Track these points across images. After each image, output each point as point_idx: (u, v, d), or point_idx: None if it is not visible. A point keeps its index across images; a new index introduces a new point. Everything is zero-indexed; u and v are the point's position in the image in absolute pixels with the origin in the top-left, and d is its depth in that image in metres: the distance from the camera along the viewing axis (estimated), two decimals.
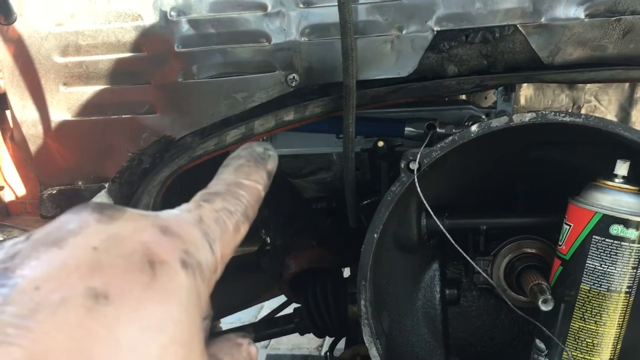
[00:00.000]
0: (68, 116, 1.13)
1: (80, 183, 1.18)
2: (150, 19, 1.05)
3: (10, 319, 0.30)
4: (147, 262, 0.35)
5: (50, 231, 0.36)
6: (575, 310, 0.95)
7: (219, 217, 0.43)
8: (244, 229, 0.45)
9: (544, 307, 0.96)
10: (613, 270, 0.92)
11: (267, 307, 2.57)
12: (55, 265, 0.33)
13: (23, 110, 1.14)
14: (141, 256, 0.36)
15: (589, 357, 0.95)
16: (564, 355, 0.97)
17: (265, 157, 0.50)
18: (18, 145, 1.19)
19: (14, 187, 1.27)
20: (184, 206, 0.43)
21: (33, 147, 1.16)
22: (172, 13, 1.04)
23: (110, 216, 0.37)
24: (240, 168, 0.48)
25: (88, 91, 1.11)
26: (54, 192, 1.19)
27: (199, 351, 0.38)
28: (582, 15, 0.96)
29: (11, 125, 1.20)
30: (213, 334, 0.46)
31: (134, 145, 1.13)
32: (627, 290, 0.93)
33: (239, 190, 0.46)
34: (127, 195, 1.16)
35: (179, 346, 0.35)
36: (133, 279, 0.34)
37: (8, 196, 1.26)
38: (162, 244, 0.37)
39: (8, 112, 1.20)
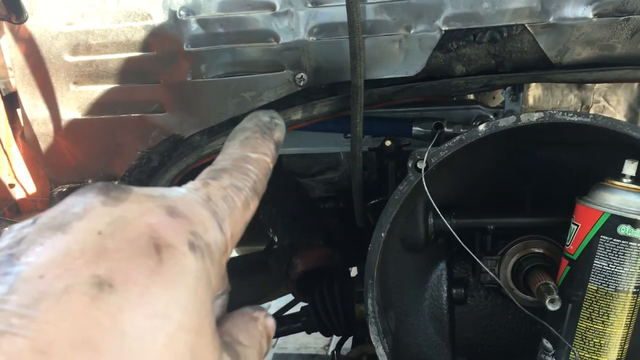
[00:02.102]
0: (78, 115, 1.14)
1: (89, 181, 1.19)
2: (159, 18, 1.06)
3: (14, 308, 0.30)
4: (153, 245, 0.35)
5: (55, 215, 0.35)
6: (582, 310, 0.95)
7: (227, 194, 0.42)
8: (253, 205, 0.44)
9: (551, 307, 0.96)
10: (621, 270, 0.92)
11: (274, 306, 2.57)
12: (59, 251, 0.33)
13: (34, 108, 1.16)
14: (147, 240, 0.35)
15: (596, 357, 0.95)
16: (571, 355, 0.97)
17: (272, 126, 0.48)
18: (29, 143, 1.20)
19: (25, 185, 1.28)
20: (191, 184, 0.42)
21: (43, 145, 1.17)
22: (182, 12, 1.05)
23: (116, 198, 0.36)
24: (246, 141, 0.46)
25: (98, 90, 1.12)
26: (64, 190, 1.20)
27: (210, 336, 0.37)
28: (590, 14, 0.96)
29: (22, 123, 1.21)
30: (230, 310, 0.46)
31: (143, 143, 1.14)
32: (635, 290, 0.93)
33: (246, 164, 0.44)
34: None
35: (187, 332, 0.34)
36: (138, 264, 0.34)
37: (19, 194, 1.27)
38: (169, 226, 0.36)
39: (19, 111, 1.22)
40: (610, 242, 0.92)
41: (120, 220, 0.35)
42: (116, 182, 1.16)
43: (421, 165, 0.96)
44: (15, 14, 1.03)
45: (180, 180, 1.15)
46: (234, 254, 1.97)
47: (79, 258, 0.33)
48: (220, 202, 0.41)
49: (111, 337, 0.31)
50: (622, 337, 0.95)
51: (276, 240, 1.75)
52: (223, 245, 0.40)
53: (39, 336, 0.30)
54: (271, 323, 0.45)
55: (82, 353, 0.30)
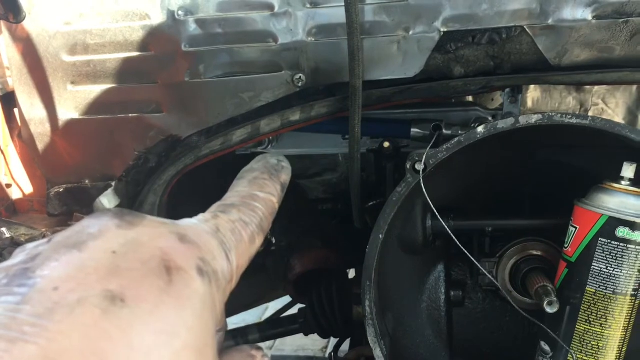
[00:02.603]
0: (75, 115, 1.14)
1: (87, 181, 1.19)
2: (157, 18, 1.05)
3: (28, 317, 0.31)
4: (164, 267, 0.36)
5: (71, 235, 0.37)
6: (580, 313, 0.95)
7: (235, 227, 0.44)
8: (259, 240, 0.46)
9: (549, 310, 0.95)
10: (619, 273, 0.92)
11: (272, 308, 2.57)
12: (74, 267, 0.34)
13: (31, 108, 1.15)
14: (159, 262, 0.36)
15: None
16: (569, 358, 0.96)
17: (279, 168, 0.51)
18: (26, 143, 1.20)
19: (22, 185, 1.28)
20: (201, 216, 0.44)
21: (41, 145, 1.17)
22: (180, 13, 1.04)
23: (130, 222, 0.38)
24: (254, 181, 0.49)
25: (95, 90, 1.11)
26: (61, 190, 1.20)
27: (212, 356, 0.38)
28: (589, 16, 0.96)
29: (19, 123, 1.21)
30: (226, 347, 0.47)
31: (141, 144, 1.13)
32: (633, 293, 0.93)
33: (253, 202, 0.47)
34: (134, 193, 1.16)
35: (191, 352, 0.35)
36: (150, 283, 0.35)
37: (15, 194, 1.27)
38: (180, 251, 0.38)
39: (16, 110, 1.21)
40: (609, 244, 0.92)
41: (133, 242, 0.37)
42: (113, 183, 1.16)
43: (419, 166, 0.96)
44: (13, 13, 1.02)
45: (178, 180, 1.14)
46: None
47: (93, 273, 0.34)
48: (228, 234, 0.43)
49: (120, 349, 0.32)
50: (620, 340, 0.95)
51: (274, 241, 1.74)
52: (229, 274, 0.42)
53: (51, 345, 0.30)
54: None
55: None
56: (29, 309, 0.31)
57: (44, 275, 0.33)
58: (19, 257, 0.36)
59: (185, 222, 0.42)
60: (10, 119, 1.24)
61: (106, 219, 0.38)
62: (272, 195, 0.48)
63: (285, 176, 0.51)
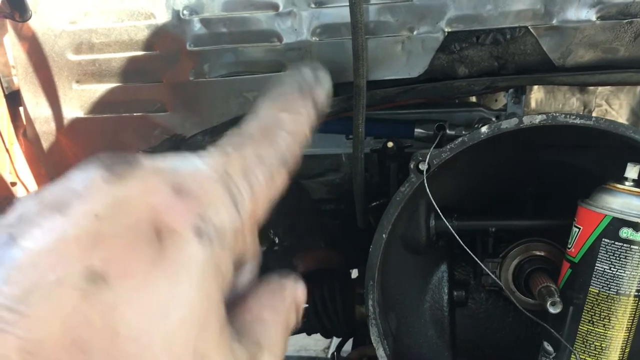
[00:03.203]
0: (80, 113, 1.14)
1: None
2: (162, 17, 1.06)
3: (6, 301, 0.28)
4: (155, 231, 0.32)
5: (56, 192, 0.32)
6: (583, 314, 0.95)
7: (248, 167, 0.37)
8: (280, 180, 0.39)
9: (552, 310, 0.95)
10: (622, 274, 0.92)
11: None
12: (55, 236, 0.30)
13: (36, 107, 1.16)
14: (148, 225, 0.32)
15: None
16: (572, 358, 0.96)
17: (314, 83, 0.41)
18: (31, 141, 1.20)
19: (26, 183, 1.28)
20: (208, 153, 0.37)
21: (45, 143, 1.18)
22: (185, 12, 1.05)
23: (119, 174, 0.33)
24: (279, 99, 0.40)
25: (100, 89, 1.12)
26: None
27: (216, 330, 0.33)
28: (593, 17, 0.96)
29: (24, 121, 1.21)
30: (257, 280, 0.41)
31: (145, 143, 1.14)
32: (636, 293, 0.93)
33: (276, 129, 0.39)
34: None
35: (189, 330, 0.31)
36: (136, 254, 0.31)
37: (20, 192, 1.27)
38: (174, 208, 0.33)
39: (21, 109, 1.21)
40: (612, 245, 0.92)
41: (120, 201, 0.32)
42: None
43: (423, 166, 0.96)
44: (19, 11, 1.03)
45: None
46: None
47: (74, 244, 0.30)
48: (239, 177, 0.36)
49: (103, 338, 0.29)
50: (623, 341, 0.95)
51: (277, 241, 1.75)
52: (239, 227, 0.36)
53: (29, 335, 0.28)
54: (301, 291, 0.40)
55: (71, 355, 0.28)
56: (8, 290, 0.28)
57: (24, 246, 0.30)
58: (10, 214, 0.32)
59: (187, 165, 0.35)
60: (15, 117, 1.24)
61: (93, 170, 0.33)
62: (300, 117, 0.39)
63: (322, 93, 0.41)
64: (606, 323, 0.94)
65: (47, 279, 0.29)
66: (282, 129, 0.39)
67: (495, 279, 1.10)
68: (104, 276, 0.29)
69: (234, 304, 0.39)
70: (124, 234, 0.31)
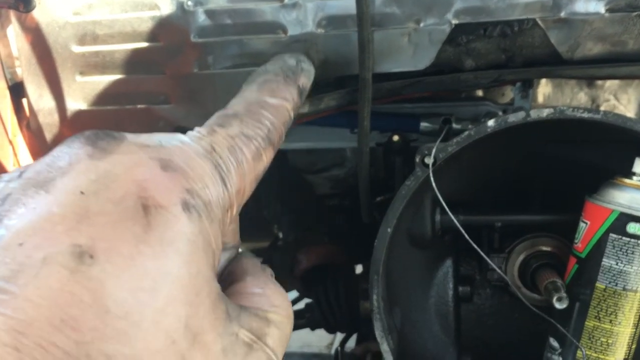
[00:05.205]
0: (84, 105, 1.13)
1: None
2: (167, 8, 1.05)
3: None
4: (142, 206, 0.31)
5: (40, 170, 0.32)
6: (590, 309, 0.94)
7: (235, 144, 0.38)
8: (266, 157, 0.40)
9: (558, 305, 0.95)
10: (629, 269, 0.91)
11: None
12: (41, 214, 0.30)
13: (39, 99, 1.15)
14: (134, 200, 0.31)
15: (603, 357, 0.94)
16: (578, 354, 0.96)
17: (297, 70, 0.42)
18: (34, 133, 1.20)
19: None
20: (195, 131, 0.38)
21: (49, 135, 1.17)
22: (189, 3, 1.04)
23: (104, 149, 0.33)
24: (265, 84, 0.42)
25: (104, 81, 1.11)
26: None
27: (209, 304, 0.33)
28: (602, 9, 0.95)
29: (28, 113, 1.21)
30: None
31: None
32: None
33: (261, 110, 0.40)
34: None
35: (180, 305, 0.31)
36: (123, 230, 0.30)
37: None
38: (161, 183, 0.33)
39: (25, 101, 1.21)
40: (619, 240, 0.91)
41: (106, 176, 0.32)
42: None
43: (429, 160, 0.95)
44: (23, 2, 1.02)
45: None
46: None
47: (60, 222, 0.30)
48: (225, 153, 0.37)
49: (92, 315, 0.28)
50: (630, 337, 0.94)
51: (281, 236, 1.75)
52: (227, 201, 0.36)
53: (17, 314, 0.28)
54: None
55: (61, 333, 0.28)
56: None
57: (10, 225, 0.30)
58: None
59: (174, 140, 0.36)
60: (18, 109, 1.24)
61: (77, 146, 0.33)
62: (285, 101, 0.41)
63: (305, 79, 0.42)
64: (613, 319, 0.93)
65: (34, 257, 0.29)
66: (267, 110, 0.40)
67: (502, 274, 1.09)
68: (91, 253, 0.29)
69: (223, 281, 0.39)
70: (110, 210, 0.31)
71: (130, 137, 0.34)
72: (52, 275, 0.28)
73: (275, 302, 0.38)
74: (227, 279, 0.38)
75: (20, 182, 0.32)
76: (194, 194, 0.33)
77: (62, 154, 0.33)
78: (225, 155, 0.37)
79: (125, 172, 0.32)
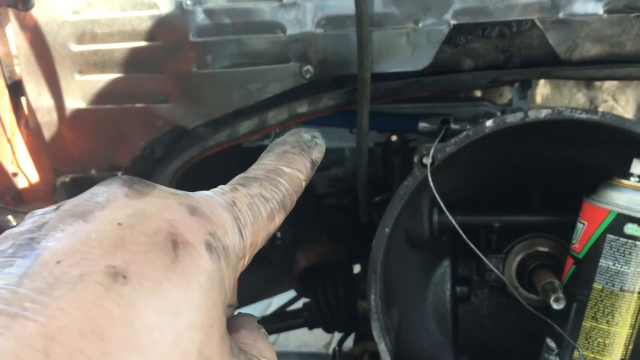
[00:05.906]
0: (82, 104, 1.13)
1: (93, 171, 1.18)
2: (166, 7, 1.05)
3: (29, 292, 0.30)
4: (171, 241, 0.35)
5: (79, 203, 0.36)
6: (587, 310, 0.94)
7: (253, 202, 0.42)
8: (279, 218, 0.44)
9: (555, 306, 0.95)
10: (626, 270, 0.91)
11: (276, 302, 2.57)
12: (79, 238, 0.33)
13: (38, 97, 1.15)
14: (165, 235, 0.35)
15: (600, 357, 0.94)
16: (575, 354, 0.96)
17: (312, 145, 0.49)
18: (32, 132, 1.20)
19: (28, 174, 1.27)
20: (219, 188, 0.42)
21: (47, 134, 1.17)
22: (188, 2, 1.04)
23: (139, 191, 0.37)
24: (282, 155, 0.46)
25: (103, 79, 1.11)
26: (67, 179, 1.20)
27: (219, 338, 0.36)
28: (600, 10, 0.95)
29: (26, 112, 1.21)
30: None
31: (147, 134, 1.13)
32: None
33: (278, 177, 0.45)
34: None
35: (196, 332, 0.34)
36: (154, 259, 0.34)
37: (22, 183, 1.27)
38: (188, 224, 0.36)
39: (23, 99, 1.21)
40: (617, 241, 0.91)
41: (140, 213, 0.35)
42: (119, 173, 1.16)
43: (427, 160, 0.95)
44: (22, 1, 1.02)
45: (183, 172, 1.14)
46: None
47: (97, 247, 0.33)
48: (244, 208, 0.41)
49: (120, 328, 0.31)
50: (627, 337, 0.94)
51: (279, 235, 1.74)
52: (241, 251, 0.40)
53: (50, 322, 0.30)
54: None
55: (90, 342, 0.30)
56: (31, 283, 0.31)
57: (48, 246, 0.32)
58: (27, 223, 0.35)
59: (200, 194, 0.40)
60: (17, 107, 1.24)
61: (115, 186, 0.37)
62: (299, 172, 0.46)
63: (318, 153, 0.48)
64: (610, 320, 0.93)
65: (71, 274, 0.31)
66: (283, 177, 0.45)
67: (499, 274, 1.09)
68: (124, 274, 0.32)
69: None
70: (144, 241, 0.34)
71: (161, 186, 0.39)
72: (87, 290, 0.31)
73: (265, 354, 0.42)
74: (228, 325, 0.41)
75: (58, 213, 0.35)
76: (216, 238, 0.37)
77: (101, 191, 0.37)
78: (244, 210, 0.41)
79: (158, 212, 0.36)
